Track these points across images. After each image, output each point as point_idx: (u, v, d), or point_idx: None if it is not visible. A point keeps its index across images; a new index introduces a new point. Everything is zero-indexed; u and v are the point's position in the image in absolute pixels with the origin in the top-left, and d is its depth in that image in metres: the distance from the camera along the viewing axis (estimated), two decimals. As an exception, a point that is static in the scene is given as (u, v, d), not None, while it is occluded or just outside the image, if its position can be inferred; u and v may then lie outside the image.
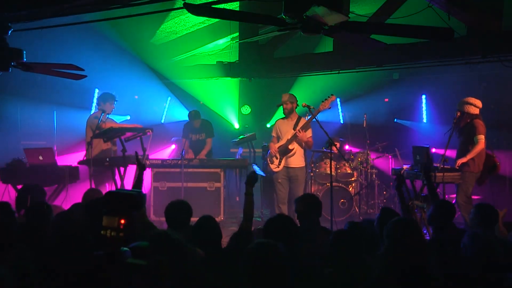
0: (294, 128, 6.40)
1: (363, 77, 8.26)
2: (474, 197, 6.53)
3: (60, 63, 5.18)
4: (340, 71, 7.29)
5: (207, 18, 7.24)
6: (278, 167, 6.48)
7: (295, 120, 6.51)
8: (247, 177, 3.87)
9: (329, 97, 6.33)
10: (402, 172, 6.26)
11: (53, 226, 3.78)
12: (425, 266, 2.68)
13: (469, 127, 6.03)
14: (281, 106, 6.58)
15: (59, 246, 2.65)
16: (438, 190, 5.81)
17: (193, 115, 7.77)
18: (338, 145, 8.07)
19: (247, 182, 3.83)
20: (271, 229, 3.32)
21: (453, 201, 6.27)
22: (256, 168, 6.75)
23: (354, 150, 8.78)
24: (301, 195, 4.46)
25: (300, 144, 6.47)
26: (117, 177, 6.47)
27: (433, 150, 7.79)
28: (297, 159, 6.49)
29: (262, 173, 6.53)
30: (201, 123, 7.86)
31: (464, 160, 5.96)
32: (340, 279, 2.81)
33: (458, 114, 5.94)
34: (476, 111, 6.06)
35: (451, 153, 6.32)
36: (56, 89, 8.30)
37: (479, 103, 6.09)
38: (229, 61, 7.94)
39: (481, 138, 5.93)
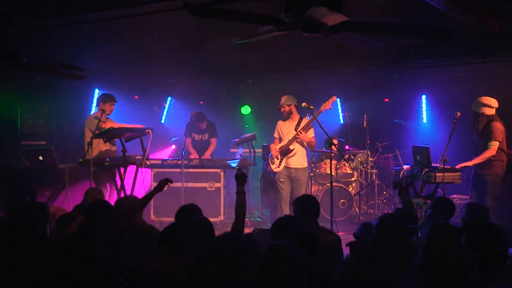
0: (296, 129, 6.39)
1: (363, 77, 8.27)
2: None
3: (60, 63, 5.18)
4: (340, 71, 7.30)
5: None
6: (279, 167, 6.47)
7: (296, 121, 6.48)
8: (235, 176, 3.84)
9: (330, 97, 6.31)
10: (401, 174, 6.26)
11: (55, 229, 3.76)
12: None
13: (487, 131, 5.82)
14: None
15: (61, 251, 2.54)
16: (438, 190, 5.83)
17: (199, 117, 7.77)
18: (336, 141, 8.09)
19: (236, 181, 3.80)
20: (277, 230, 3.27)
21: (465, 202, 6.24)
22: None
23: (354, 150, 8.78)
24: (298, 196, 4.40)
25: (301, 145, 6.45)
26: (117, 177, 6.47)
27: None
28: (298, 160, 6.46)
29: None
30: (207, 124, 7.88)
31: (468, 164, 5.83)
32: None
33: (458, 114, 5.76)
34: (492, 111, 5.84)
35: (451, 153, 6.30)
36: (55, 89, 8.29)
37: (494, 102, 5.85)
38: (229, 61, 7.94)
39: (494, 144, 5.73)
